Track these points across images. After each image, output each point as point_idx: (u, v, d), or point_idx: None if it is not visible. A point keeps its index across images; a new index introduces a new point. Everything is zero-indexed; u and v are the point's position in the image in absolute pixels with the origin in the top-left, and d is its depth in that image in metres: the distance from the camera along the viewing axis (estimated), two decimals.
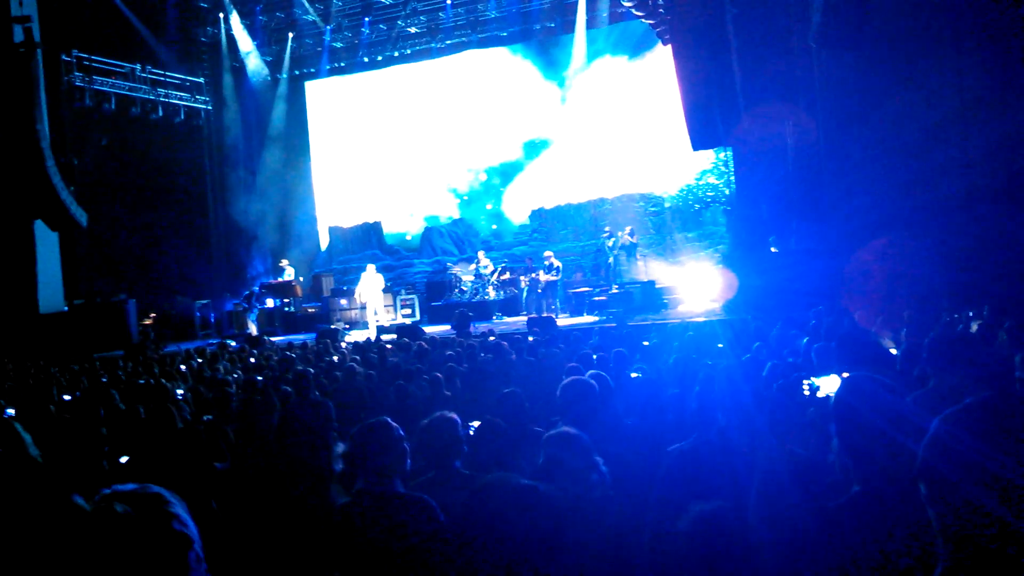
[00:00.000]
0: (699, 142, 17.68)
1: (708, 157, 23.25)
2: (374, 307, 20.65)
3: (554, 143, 26.12)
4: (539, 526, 1.97)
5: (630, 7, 19.83)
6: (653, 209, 24.43)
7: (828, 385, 4.25)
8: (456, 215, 27.78)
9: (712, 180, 23.73)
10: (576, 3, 23.88)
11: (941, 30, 12.78)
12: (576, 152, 25.60)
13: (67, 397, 8.68)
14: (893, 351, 5.95)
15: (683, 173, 24.08)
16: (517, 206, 26.87)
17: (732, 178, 20.79)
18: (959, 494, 1.57)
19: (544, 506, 2.03)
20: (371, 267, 21.44)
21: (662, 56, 22.64)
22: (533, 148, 26.42)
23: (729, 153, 22.05)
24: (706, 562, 2.05)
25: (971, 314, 9.47)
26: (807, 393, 4.59)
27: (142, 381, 9.62)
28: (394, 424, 3.54)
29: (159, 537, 1.56)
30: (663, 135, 23.55)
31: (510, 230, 26.94)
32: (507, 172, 26.92)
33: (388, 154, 27.77)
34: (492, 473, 2.46)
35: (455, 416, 4.01)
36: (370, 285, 20.78)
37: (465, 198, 27.73)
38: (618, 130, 24.80)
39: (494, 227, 27.23)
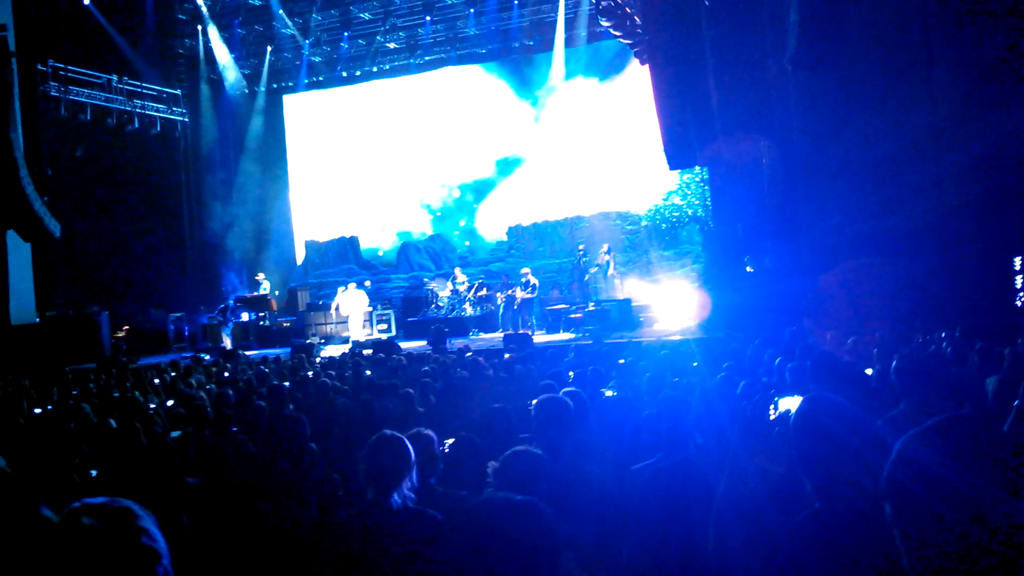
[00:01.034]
0: (675, 161, 17.82)
1: (684, 176, 23.40)
2: (356, 323, 20.71)
3: (527, 161, 26.26)
4: (540, 543, 1.97)
5: (608, 27, 19.99)
6: (630, 227, 24.53)
7: (792, 404, 4.28)
8: (429, 231, 27.81)
9: (677, 201, 23.88)
10: (555, 22, 24.04)
11: (914, 50, 12.99)
12: (549, 170, 25.76)
13: (38, 410, 8.58)
14: (868, 371, 6.01)
15: (658, 192, 24.22)
16: (490, 223, 26.95)
17: (708, 197, 20.94)
18: (926, 513, 1.58)
19: (544, 521, 2.03)
20: (351, 286, 21.54)
21: (633, 77, 23.25)
22: (506, 165, 26.55)
23: (705, 172, 22.32)
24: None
25: (943, 335, 9.58)
26: (774, 414, 4.63)
27: (116, 394, 9.54)
28: (402, 439, 3.53)
29: (126, 551, 1.56)
30: (636, 154, 23.85)
31: (483, 247, 27.01)
32: (480, 189, 27.03)
33: (364, 169, 27.77)
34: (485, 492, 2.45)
35: (431, 433, 4.01)
36: (353, 302, 20.80)
37: (438, 214, 27.78)
38: (591, 149, 25.02)
39: (467, 243, 27.28)
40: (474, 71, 26.54)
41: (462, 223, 27.50)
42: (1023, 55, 11.50)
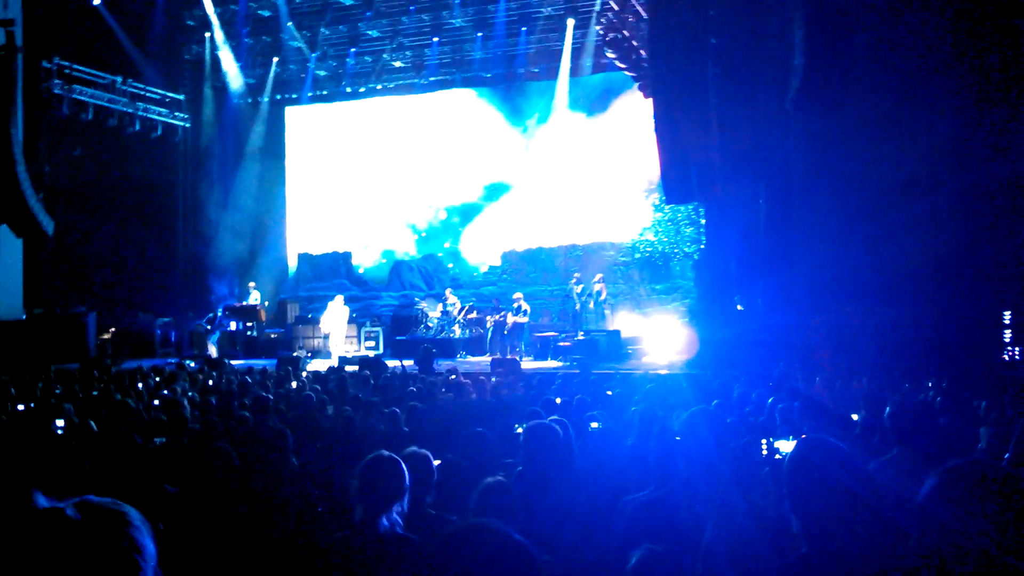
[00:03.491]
0: (673, 195, 17.89)
1: (674, 209, 23.65)
2: (337, 338, 20.54)
3: (514, 188, 26.38)
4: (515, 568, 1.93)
5: (614, 59, 20.15)
6: (623, 259, 24.59)
7: (787, 447, 4.26)
8: (413, 251, 27.88)
9: (659, 236, 24.14)
10: (561, 51, 24.18)
11: (912, 90, 13.15)
12: (536, 198, 25.90)
13: (20, 407, 8.50)
14: (854, 416, 6.01)
15: (641, 225, 24.52)
16: (475, 247, 27.03)
17: (701, 232, 21.04)
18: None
19: (518, 546, 1.99)
20: (339, 298, 21.37)
21: (617, 115, 24.25)
22: (494, 191, 26.65)
23: (701, 209, 22.55)
24: None
25: (930, 384, 9.60)
26: (765, 453, 4.61)
27: (95, 393, 9.47)
28: (399, 462, 3.48)
29: (106, 552, 1.53)
30: (622, 187, 24.43)
31: (466, 270, 27.08)
32: (467, 212, 27.11)
33: (359, 185, 27.83)
34: (478, 518, 2.41)
35: (427, 453, 3.96)
36: (335, 316, 20.68)
37: (423, 234, 27.85)
38: (578, 180, 25.23)
39: (450, 265, 27.34)
40: (468, 96, 26.75)
41: (447, 245, 27.56)
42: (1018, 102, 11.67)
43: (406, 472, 3.42)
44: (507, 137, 26.51)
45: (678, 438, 3.41)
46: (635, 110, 23.75)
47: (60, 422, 6.71)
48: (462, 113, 26.90)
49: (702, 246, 22.51)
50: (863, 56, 13.18)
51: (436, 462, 4.40)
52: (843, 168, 14.00)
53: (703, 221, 22.49)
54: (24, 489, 2.53)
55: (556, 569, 2.90)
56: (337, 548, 3.29)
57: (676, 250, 23.76)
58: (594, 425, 6.69)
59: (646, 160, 23.62)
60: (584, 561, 2.98)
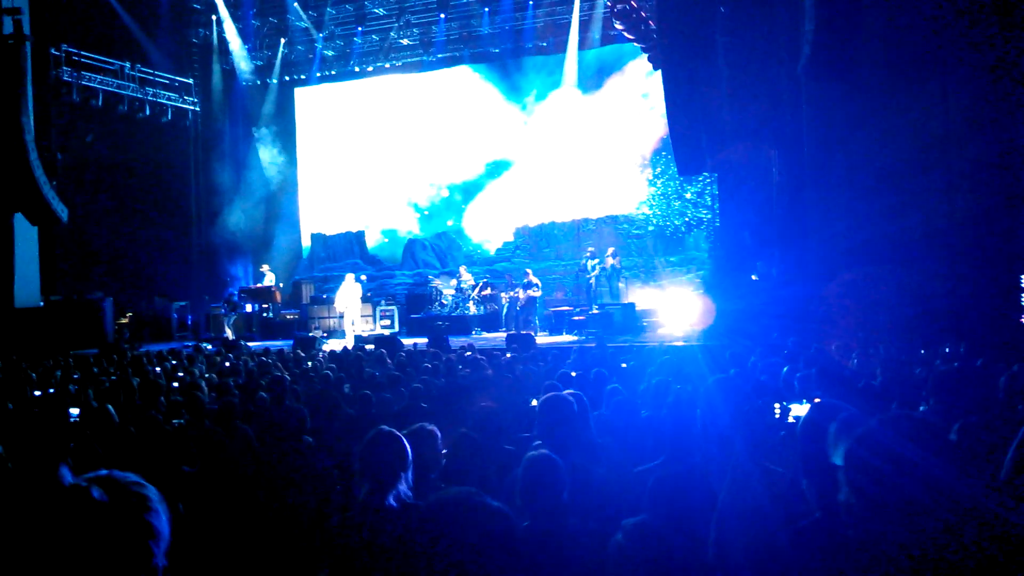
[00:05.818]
0: (685, 167, 17.77)
1: (668, 184, 23.93)
2: (351, 317, 20.57)
3: (516, 164, 26.28)
4: (501, 555, 1.96)
5: (622, 30, 19.95)
6: (636, 232, 24.51)
7: (802, 411, 4.26)
8: (416, 230, 27.87)
9: (654, 210, 24.31)
10: (569, 24, 24.00)
11: (927, 58, 12.96)
12: (538, 174, 25.82)
13: (38, 393, 8.58)
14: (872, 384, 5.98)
15: (644, 199, 24.54)
16: (478, 225, 27.01)
17: (715, 203, 20.97)
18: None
19: (511, 536, 2.03)
20: (350, 276, 21.38)
21: (612, 92, 24.50)
22: (495, 168, 26.57)
23: (687, 185, 23.21)
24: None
25: (947, 349, 9.55)
26: (778, 415, 4.61)
27: (114, 378, 9.54)
28: (398, 436, 3.48)
29: (120, 536, 1.55)
30: (627, 162, 24.56)
31: (471, 247, 27.10)
32: (469, 190, 27.05)
33: (370, 163, 27.80)
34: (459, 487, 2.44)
35: (435, 429, 3.98)
36: (348, 294, 20.71)
37: (426, 213, 27.85)
38: (580, 154, 25.15)
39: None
40: (467, 74, 26.66)
41: (449, 223, 27.56)
42: None
43: (407, 446, 3.42)
44: (506, 114, 26.41)
45: (698, 411, 3.40)
46: (631, 86, 24.17)
47: (75, 410, 6.75)
48: (462, 91, 26.79)
49: (688, 219, 22.89)
50: (876, 21, 13.02)
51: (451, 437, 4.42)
52: (857, 136, 13.86)
53: (688, 195, 22.81)
54: (51, 465, 2.57)
55: (539, 536, 2.93)
56: (346, 523, 3.31)
57: (668, 223, 23.83)
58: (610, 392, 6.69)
59: (640, 135, 23.76)
60: (599, 530, 2.99)
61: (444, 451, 4.21)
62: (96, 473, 1.62)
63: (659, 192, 24.11)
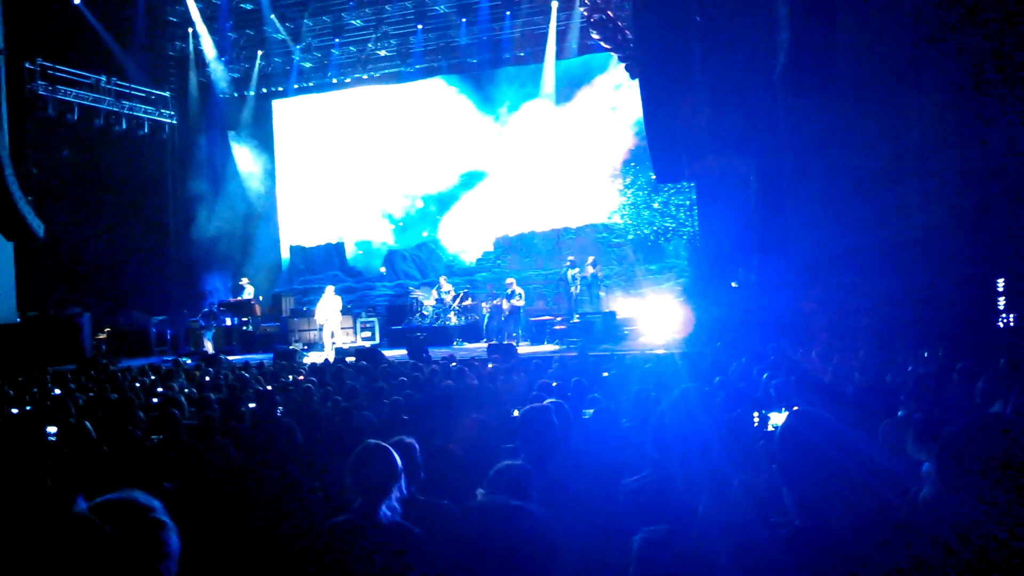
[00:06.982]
0: (664, 175, 17.84)
1: (637, 194, 24.32)
2: (331, 329, 20.49)
3: (489, 175, 26.42)
4: (534, 546, 1.95)
5: (598, 40, 20.07)
6: (616, 240, 24.61)
7: (780, 419, 4.28)
8: (391, 241, 27.90)
9: (624, 220, 24.64)
10: (546, 34, 24.09)
11: (901, 66, 13.10)
12: (512, 185, 25.96)
13: (15, 411, 8.49)
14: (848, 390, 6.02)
15: (616, 209, 24.82)
16: (454, 236, 27.11)
17: (694, 211, 21.08)
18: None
19: (538, 523, 2.02)
20: (330, 289, 21.31)
21: (584, 104, 24.78)
22: (469, 179, 26.70)
23: (655, 195, 23.61)
24: None
25: (926, 354, 9.63)
26: (756, 424, 4.63)
27: (90, 394, 9.45)
28: (388, 449, 3.49)
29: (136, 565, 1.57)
30: (599, 171, 24.80)
31: (446, 258, 27.13)
32: (443, 201, 27.18)
33: (346, 174, 27.83)
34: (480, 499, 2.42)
35: (413, 441, 3.97)
36: (329, 306, 20.63)
37: (400, 224, 27.92)
38: (554, 164, 25.35)
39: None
40: (440, 86, 26.78)
41: (424, 234, 27.63)
42: (1008, 71, 11.62)
43: (397, 459, 3.44)
44: (480, 125, 26.56)
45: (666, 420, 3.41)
46: (599, 98, 24.55)
47: (52, 428, 6.68)
48: (436, 102, 26.89)
49: (656, 228, 23.16)
50: (851, 30, 13.13)
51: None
52: (834, 145, 13.98)
53: (656, 205, 23.06)
54: (67, 495, 2.58)
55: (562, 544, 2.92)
56: (340, 538, 3.30)
57: (639, 232, 24.06)
58: (588, 412, 6.67)
59: (610, 146, 24.01)
60: (582, 544, 2.99)
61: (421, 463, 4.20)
62: (109, 497, 1.63)
63: (629, 202, 24.43)
